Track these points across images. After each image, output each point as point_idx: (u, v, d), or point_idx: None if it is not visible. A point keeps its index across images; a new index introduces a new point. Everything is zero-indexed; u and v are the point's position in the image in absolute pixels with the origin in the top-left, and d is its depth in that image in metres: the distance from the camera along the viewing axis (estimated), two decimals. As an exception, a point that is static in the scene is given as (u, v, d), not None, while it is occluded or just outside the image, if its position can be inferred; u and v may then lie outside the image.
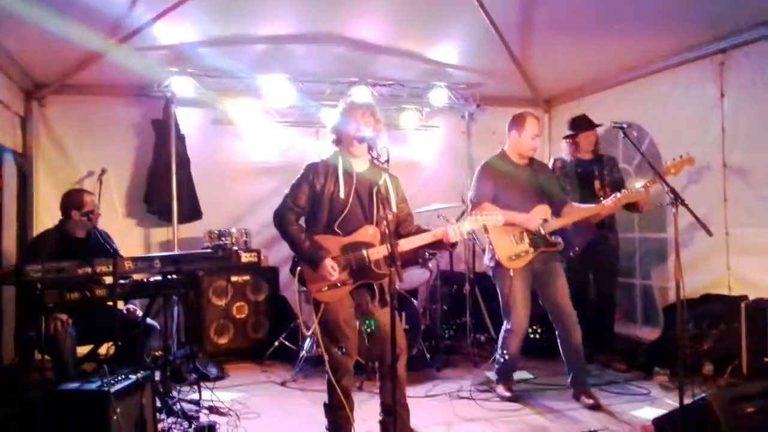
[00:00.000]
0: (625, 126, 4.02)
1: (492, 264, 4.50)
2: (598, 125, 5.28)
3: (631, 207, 4.76)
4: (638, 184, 4.93)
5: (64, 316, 4.03)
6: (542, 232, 4.34)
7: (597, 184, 5.16)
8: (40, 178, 5.86)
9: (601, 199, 4.71)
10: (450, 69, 6.36)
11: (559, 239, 4.43)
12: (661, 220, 5.76)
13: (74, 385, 3.23)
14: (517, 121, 4.47)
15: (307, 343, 5.34)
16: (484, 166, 4.53)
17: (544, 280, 4.46)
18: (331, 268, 3.38)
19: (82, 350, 4.37)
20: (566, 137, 5.34)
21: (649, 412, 4.07)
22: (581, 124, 5.29)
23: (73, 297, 3.89)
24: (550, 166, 5.20)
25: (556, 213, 4.46)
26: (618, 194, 4.47)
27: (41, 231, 4.71)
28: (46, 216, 5.45)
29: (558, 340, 4.50)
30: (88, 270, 3.80)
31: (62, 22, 4.48)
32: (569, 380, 4.52)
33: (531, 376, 5.06)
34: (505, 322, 4.53)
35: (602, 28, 5.09)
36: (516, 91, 6.89)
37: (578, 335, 4.41)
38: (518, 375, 4.87)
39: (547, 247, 4.38)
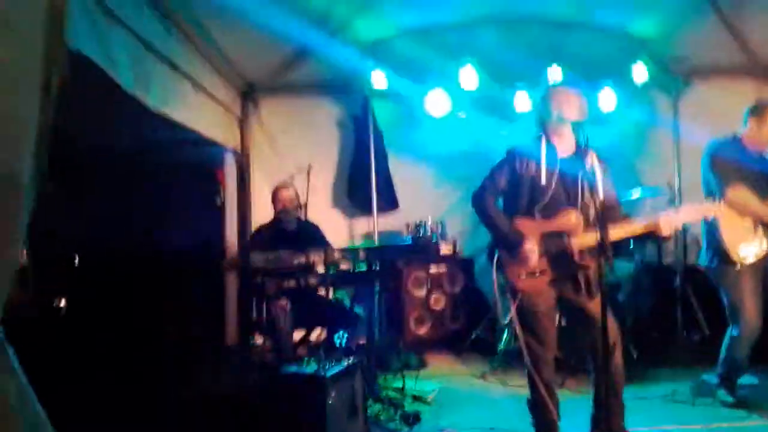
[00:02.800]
0: None
1: (713, 264, 4.09)
2: None
3: None
4: None
5: (284, 301, 4.35)
6: None
7: None
8: (255, 174, 6.39)
9: None
10: (652, 41, 5.86)
11: None
12: None
13: (293, 369, 3.48)
14: (757, 111, 4.02)
15: (505, 335, 5.29)
16: (713, 156, 4.07)
17: None
18: (530, 250, 3.29)
19: (296, 335, 4.71)
20: None
21: None
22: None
23: (289, 284, 4.21)
24: None
25: None
26: None
27: (258, 225, 5.15)
28: (263, 210, 5.87)
29: None
30: (302, 259, 4.09)
31: (273, 16, 4.68)
32: None
33: (757, 380, 4.55)
34: (731, 327, 4.08)
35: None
36: (729, 60, 6.13)
37: None
38: (743, 380, 4.40)
39: None
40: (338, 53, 5.55)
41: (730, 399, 4.14)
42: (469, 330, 5.83)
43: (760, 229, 3.92)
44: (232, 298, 5.74)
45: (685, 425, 3.85)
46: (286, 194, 4.84)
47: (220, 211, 6.01)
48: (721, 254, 4.02)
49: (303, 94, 6.46)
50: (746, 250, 3.93)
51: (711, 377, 4.39)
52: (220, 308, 5.67)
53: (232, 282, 5.71)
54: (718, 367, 4.24)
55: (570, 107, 3.38)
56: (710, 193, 3.99)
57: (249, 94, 6.33)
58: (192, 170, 6.13)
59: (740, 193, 3.86)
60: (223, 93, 5.69)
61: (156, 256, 5.62)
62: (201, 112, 5.04)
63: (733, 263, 3.95)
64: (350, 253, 4.31)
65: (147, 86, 3.80)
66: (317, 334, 4.83)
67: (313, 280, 4.26)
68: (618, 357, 3.43)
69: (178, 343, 4.84)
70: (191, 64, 4.65)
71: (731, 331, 4.08)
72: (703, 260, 4.22)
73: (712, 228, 4.04)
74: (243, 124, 6.31)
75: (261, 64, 5.98)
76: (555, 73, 5.87)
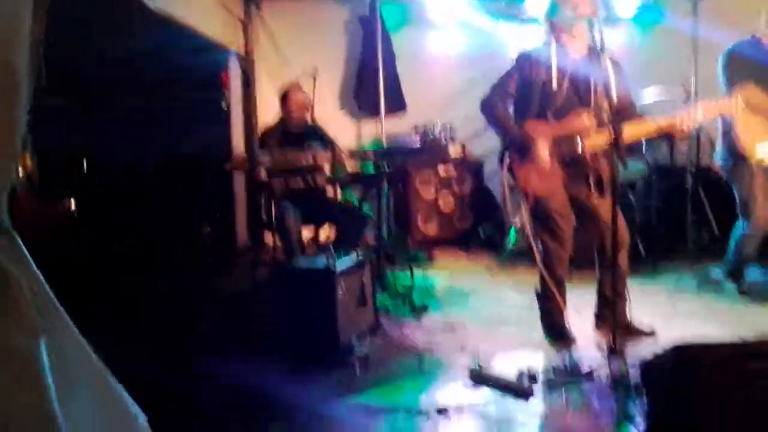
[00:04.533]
0: None
1: (729, 163, 4.07)
2: None
3: None
4: None
5: (292, 200, 4.37)
6: None
7: None
8: (261, 77, 6.26)
9: None
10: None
11: None
12: None
13: (304, 264, 3.54)
14: None
15: (512, 234, 5.31)
16: (731, 54, 4.02)
17: None
18: (542, 150, 3.26)
19: (306, 233, 4.76)
20: None
21: None
22: None
23: (296, 184, 4.22)
24: None
25: None
26: None
27: (264, 127, 5.10)
28: (268, 113, 5.81)
29: None
30: (310, 159, 4.07)
31: None
32: None
33: (764, 273, 4.58)
34: (743, 224, 4.10)
35: None
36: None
37: None
38: (750, 274, 4.43)
39: None
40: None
41: (737, 288, 4.20)
42: (478, 228, 5.87)
43: None
44: (240, 198, 5.77)
45: (691, 315, 3.90)
46: (297, 97, 4.75)
47: (226, 114, 5.95)
48: (736, 153, 3.99)
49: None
50: (763, 148, 3.88)
51: (717, 271, 4.43)
52: (229, 208, 5.72)
53: (240, 183, 5.73)
54: (725, 262, 4.29)
55: (583, 3, 3.26)
56: (727, 92, 3.90)
57: (251, -2, 6.14)
58: (196, 74, 6.03)
59: (753, 92, 3.78)
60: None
61: (164, 160, 5.63)
62: (204, 13, 4.91)
63: (748, 161, 3.93)
64: (358, 153, 4.29)
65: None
66: (326, 232, 4.87)
67: (320, 180, 4.26)
68: (624, 256, 3.47)
69: (190, 244, 4.92)
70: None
71: (741, 228, 4.11)
72: (719, 158, 4.20)
73: (728, 127, 4.01)
74: (246, 26, 6.14)
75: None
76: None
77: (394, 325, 3.80)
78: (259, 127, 5.92)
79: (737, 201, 4.11)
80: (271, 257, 4.38)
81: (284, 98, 4.79)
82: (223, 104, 6.05)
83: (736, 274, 4.25)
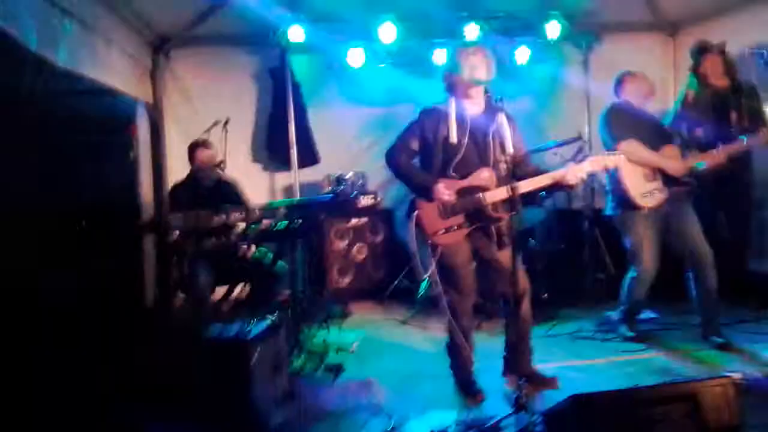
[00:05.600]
0: (765, 52, 3.72)
1: (617, 212, 4.38)
2: (720, 46, 4.75)
3: None
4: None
5: (203, 260, 4.34)
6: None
7: (734, 115, 4.62)
8: (170, 128, 6.21)
9: (738, 131, 4.40)
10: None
11: (692, 179, 4.26)
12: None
13: (216, 330, 3.44)
14: (621, 82, 4.42)
15: (424, 283, 5.45)
16: (612, 109, 4.41)
17: (677, 221, 4.30)
18: (444, 189, 3.41)
19: (219, 291, 4.72)
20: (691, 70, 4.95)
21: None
22: (699, 51, 4.80)
23: (209, 243, 4.20)
24: (681, 97, 4.85)
25: (684, 148, 4.33)
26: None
27: (175, 182, 5.05)
28: (178, 165, 5.72)
29: (692, 283, 4.33)
30: (223, 218, 4.07)
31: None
32: (702, 328, 4.36)
33: (655, 315, 4.93)
34: (631, 269, 4.41)
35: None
36: (637, 16, 6.44)
37: (714, 278, 4.22)
38: (642, 314, 4.75)
39: (681, 186, 4.24)
40: (253, 4, 5.41)
41: (630, 333, 4.49)
42: (392, 279, 5.97)
43: (659, 177, 4.20)
44: (150, 257, 5.65)
45: (590, 360, 4.15)
46: (204, 153, 4.76)
47: (133, 165, 5.82)
48: (623, 202, 4.31)
49: (217, 46, 6.28)
50: (645, 196, 4.22)
51: (613, 314, 4.73)
52: (138, 268, 5.57)
53: (149, 240, 5.60)
54: (619, 304, 4.58)
55: (480, 68, 3.46)
56: (608, 147, 4.24)
57: (161, 47, 6.09)
58: (102, 124, 5.87)
59: (635, 146, 4.15)
60: (133, 46, 5.48)
61: (67, 213, 5.42)
62: (112, 66, 4.84)
63: (635, 209, 4.25)
64: (270, 210, 4.32)
65: (55, 44, 3.65)
66: (239, 290, 4.84)
67: (233, 238, 4.26)
68: (526, 304, 3.68)
69: (94, 307, 4.73)
70: (99, 18, 4.46)
71: (630, 272, 4.43)
72: (608, 209, 4.50)
73: (614, 178, 4.32)
74: (155, 77, 6.09)
75: (172, 15, 5.77)
76: (472, 30, 5.95)
77: (310, 388, 3.81)
78: (169, 179, 5.86)
79: (627, 249, 4.42)
80: (183, 321, 4.31)
81: (191, 153, 4.78)
82: (131, 155, 5.92)
83: (629, 318, 4.55)
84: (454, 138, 3.48)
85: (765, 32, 5.08)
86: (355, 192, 5.91)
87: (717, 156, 4.20)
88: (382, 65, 6.41)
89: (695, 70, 4.80)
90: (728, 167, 4.69)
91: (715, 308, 4.29)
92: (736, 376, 3.33)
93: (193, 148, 4.80)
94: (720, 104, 4.73)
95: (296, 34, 5.84)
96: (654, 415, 2.58)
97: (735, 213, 4.96)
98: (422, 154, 3.60)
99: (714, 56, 4.72)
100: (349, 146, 6.60)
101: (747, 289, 5.04)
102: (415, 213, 3.53)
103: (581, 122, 6.50)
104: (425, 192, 3.47)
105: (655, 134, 4.31)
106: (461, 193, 3.49)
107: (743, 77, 4.83)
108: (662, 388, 2.74)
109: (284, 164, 6.36)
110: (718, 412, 2.59)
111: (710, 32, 5.07)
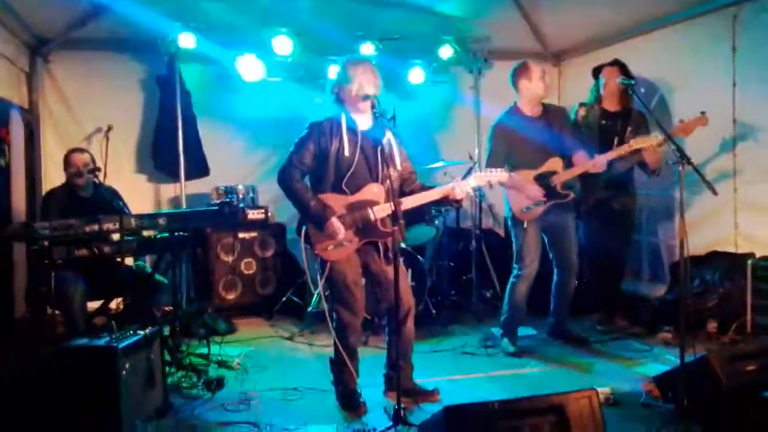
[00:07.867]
0: (632, 82, 3.97)
1: (509, 214, 4.63)
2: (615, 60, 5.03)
3: (643, 167, 4.76)
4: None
5: (74, 271, 4.08)
6: (552, 184, 4.46)
7: (616, 139, 4.76)
8: (47, 134, 5.86)
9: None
10: (458, 22, 6.26)
11: (570, 191, 4.51)
12: (670, 177, 5.67)
13: (83, 341, 3.28)
14: (522, 70, 4.52)
15: (314, 298, 5.39)
16: (496, 127, 4.57)
17: (556, 231, 4.64)
18: (338, 226, 3.39)
19: (93, 305, 4.45)
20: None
21: (651, 369, 4.10)
22: (598, 68, 5.10)
23: (81, 253, 3.95)
24: (573, 113, 5.08)
25: (568, 163, 4.53)
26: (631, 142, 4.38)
27: (50, 188, 4.75)
28: (55, 172, 5.44)
29: (553, 286, 4.80)
30: (95, 227, 3.84)
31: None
32: (551, 327, 4.89)
33: (535, 332, 5.10)
34: (515, 269, 4.64)
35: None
36: (525, 44, 6.77)
37: (573, 285, 4.75)
38: (522, 331, 4.90)
39: (558, 199, 4.48)
40: (137, 9, 5.22)
41: (511, 348, 4.61)
42: (281, 294, 5.86)
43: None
44: (20, 267, 5.26)
45: (472, 374, 4.22)
46: (79, 158, 4.50)
47: (5, 171, 5.44)
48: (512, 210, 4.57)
49: (101, 51, 5.99)
50: (524, 211, 4.47)
51: (496, 330, 4.86)
52: (7, 279, 5.18)
53: (20, 249, 5.23)
54: (501, 316, 4.73)
55: (368, 82, 3.49)
56: (492, 163, 4.38)
57: (38, 49, 5.75)
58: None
59: (513, 161, 4.35)
60: (7, 47, 5.16)
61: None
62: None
63: (519, 219, 4.51)
64: (148, 219, 4.11)
65: None
66: (116, 304, 4.59)
67: (107, 249, 4.02)
68: (410, 322, 3.70)
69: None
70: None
71: (514, 273, 4.65)
72: (506, 211, 4.72)
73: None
74: (31, 80, 5.74)
75: (53, 17, 5.49)
76: (367, 49, 6.02)
77: (186, 404, 3.65)
78: (45, 186, 5.51)
79: (514, 248, 4.64)
80: (51, 333, 4.02)
81: (68, 159, 4.52)
82: (2, 161, 5.53)
83: (511, 332, 4.68)
84: (346, 151, 3.47)
85: (640, 64, 5.41)
86: (243, 205, 5.76)
87: (596, 161, 4.43)
88: (277, 79, 6.33)
89: (595, 77, 5.08)
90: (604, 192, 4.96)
91: (565, 311, 4.85)
92: (604, 390, 3.52)
93: (68, 153, 4.55)
94: (607, 126, 4.96)
95: (187, 41, 5.67)
96: (522, 426, 2.66)
97: (617, 234, 5.14)
98: (314, 169, 3.56)
99: (611, 67, 4.96)
100: (240, 159, 6.47)
101: (618, 307, 5.28)
102: (305, 228, 3.49)
103: (472, 144, 6.69)
104: (318, 224, 3.43)
105: (539, 147, 4.50)
106: (351, 208, 3.48)
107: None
108: (531, 400, 2.81)
109: (171, 175, 6.14)
110: (582, 423, 2.69)
111: (591, 62, 5.35)
